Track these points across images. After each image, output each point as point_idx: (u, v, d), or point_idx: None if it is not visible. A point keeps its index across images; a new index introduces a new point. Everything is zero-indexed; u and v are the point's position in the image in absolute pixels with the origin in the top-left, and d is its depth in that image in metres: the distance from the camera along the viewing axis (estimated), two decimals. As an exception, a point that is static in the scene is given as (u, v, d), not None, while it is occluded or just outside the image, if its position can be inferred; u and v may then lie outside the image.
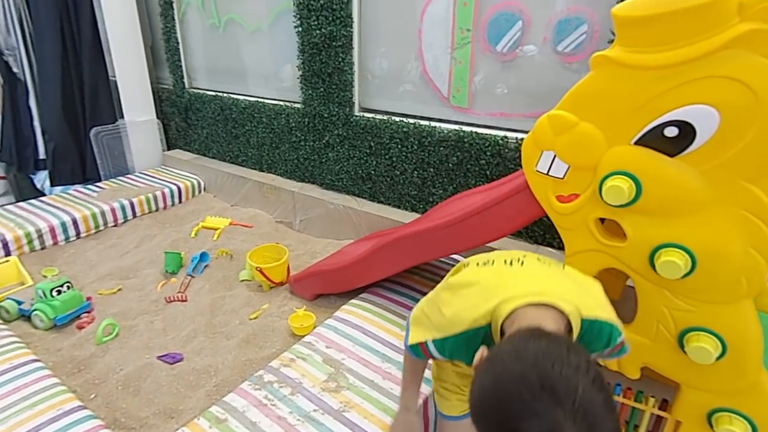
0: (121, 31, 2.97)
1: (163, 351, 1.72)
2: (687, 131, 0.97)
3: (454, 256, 1.96)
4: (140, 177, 3.13)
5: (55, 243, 2.45)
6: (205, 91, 3.05)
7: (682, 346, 1.09)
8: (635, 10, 0.96)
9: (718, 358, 1.05)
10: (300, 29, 2.31)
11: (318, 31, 2.24)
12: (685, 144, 0.98)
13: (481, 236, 1.41)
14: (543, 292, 0.80)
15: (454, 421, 1.20)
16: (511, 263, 0.93)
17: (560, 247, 1.84)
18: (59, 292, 1.86)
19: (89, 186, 2.96)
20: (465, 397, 1.16)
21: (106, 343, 1.77)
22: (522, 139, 1.80)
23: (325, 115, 2.40)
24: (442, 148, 2.04)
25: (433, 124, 2.06)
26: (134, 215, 2.78)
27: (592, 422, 0.59)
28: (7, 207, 2.64)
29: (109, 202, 2.70)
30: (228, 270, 2.25)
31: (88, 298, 1.98)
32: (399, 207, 2.32)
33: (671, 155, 1.00)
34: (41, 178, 3.39)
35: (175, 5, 2.96)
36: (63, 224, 2.47)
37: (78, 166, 3.27)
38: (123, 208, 2.72)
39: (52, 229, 2.43)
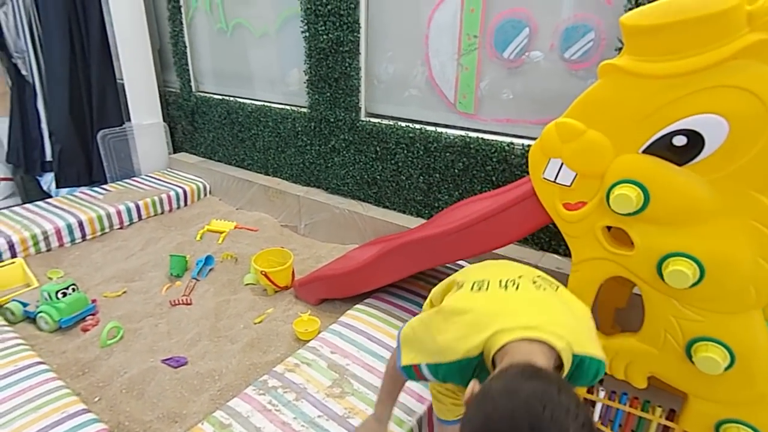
0: (129, 35, 2.99)
1: (168, 354, 1.72)
2: (696, 140, 0.97)
3: (459, 261, 1.96)
4: (146, 180, 3.14)
5: (61, 245, 2.47)
6: (211, 95, 3.07)
7: (689, 356, 1.09)
8: (644, 19, 0.96)
9: (726, 369, 1.04)
10: (307, 34, 2.32)
11: (325, 37, 2.25)
12: (694, 153, 0.98)
13: (488, 242, 1.40)
14: (536, 326, 0.80)
15: (449, 425, 1.21)
16: (506, 286, 0.92)
17: (566, 254, 1.84)
18: (64, 294, 1.87)
19: (95, 188, 2.98)
20: (459, 402, 1.17)
21: (111, 345, 1.77)
22: (528, 146, 1.82)
23: (331, 120, 2.41)
24: (448, 154, 2.04)
25: (439, 129, 2.06)
26: (140, 218, 2.79)
27: None
28: (13, 208, 2.65)
29: (115, 204, 2.71)
30: (233, 274, 2.26)
31: (93, 301, 1.98)
32: (404, 212, 2.32)
33: (679, 164, 0.99)
34: (48, 180, 3.41)
35: (183, 10, 2.98)
36: (69, 226, 2.48)
37: (84, 169, 3.28)
38: (129, 210, 2.73)
39: (57, 231, 2.44)
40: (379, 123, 2.24)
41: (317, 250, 2.47)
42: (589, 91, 1.07)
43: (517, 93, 1.88)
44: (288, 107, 2.63)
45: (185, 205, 3.02)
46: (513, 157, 1.87)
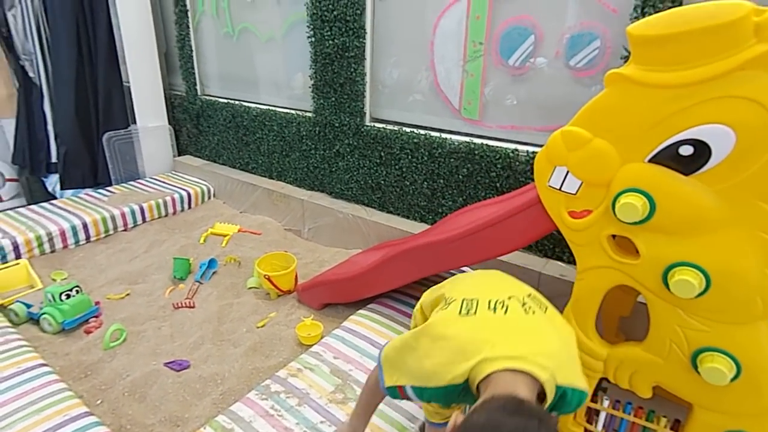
0: (136, 38, 3.01)
1: (170, 357, 1.72)
2: (702, 150, 0.96)
3: (463, 268, 1.95)
4: (151, 182, 3.15)
5: (65, 246, 2.47)
6: (217, 98, 3.08)
7: (695, 367, 1.08)
8: (651, 29, 0.96)
9: (732, 380, 1.03)
10: (313, 39, 2.33)
11: (331, 42, 2.26)
12: (701, 163, 0.97)
13: (492, 249, 1.40)
14: (521, 356, 0.81)
15: (438, 427, 1.24)
16: (494, 309, 0.92)
17: (570, 261, 1.84)
18: (68, 296, 1.87)
19: (100, 190, 2.99)
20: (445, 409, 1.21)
21: (114, 348, 1.77)
22: (533, 153, 1.82)
23: (336, 125, 2.41)
24: (452, 160, 2.04)
25: (443, 135, 2.07)
26: (144, 220, 2.80)
27: None
28: (18, 209, 2.66)
29: (119, 206, 2.72)
30: (236, 277, 2.26)
31: (97, 303, 1.99)
32: (408, 217, 2.32)
33: (686, 174, 0.99)
34: (53, 182, 3.43)
35: (190, 14, 3.00)
36: (73, 228, 2.49)
37: (89, 170, 3.30)
38: (133, 212, 2.74)
39: (62, 233, 2.45)
40: (383, 128, 2.25)
41: (321, 255, 2.47)
42: (595, 99, 1.07)
43: (521, 100, 1.89)
44: (293, 111, 2.64)
45: (189, 207, 3.03)
46: (517, 163, 1.87)
